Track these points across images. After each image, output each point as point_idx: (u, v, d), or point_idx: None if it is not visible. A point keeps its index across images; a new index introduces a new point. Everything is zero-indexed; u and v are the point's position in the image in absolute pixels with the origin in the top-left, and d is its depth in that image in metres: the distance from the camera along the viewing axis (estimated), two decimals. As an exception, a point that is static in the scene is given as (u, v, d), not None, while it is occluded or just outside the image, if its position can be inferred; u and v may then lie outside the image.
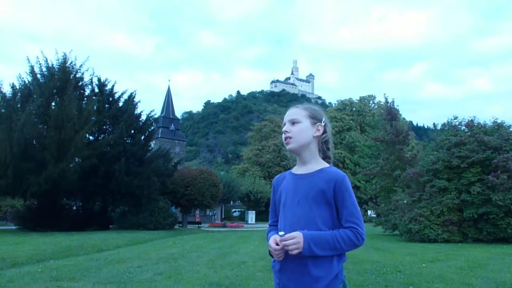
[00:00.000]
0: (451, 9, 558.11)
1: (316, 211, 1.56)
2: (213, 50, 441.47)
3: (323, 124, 1.68)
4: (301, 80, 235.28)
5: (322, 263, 1.52)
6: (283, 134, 1.67)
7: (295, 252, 1.47)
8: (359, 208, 1.59)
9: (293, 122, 1.66)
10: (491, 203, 12.92)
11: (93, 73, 32.37)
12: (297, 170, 1.70)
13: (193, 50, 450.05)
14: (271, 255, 1.60)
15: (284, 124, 1.69)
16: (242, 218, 47.42)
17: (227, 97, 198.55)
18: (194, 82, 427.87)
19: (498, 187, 12.79)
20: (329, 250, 1.51)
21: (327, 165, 1.66)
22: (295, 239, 1.47)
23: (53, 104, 21.46)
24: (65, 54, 22.44)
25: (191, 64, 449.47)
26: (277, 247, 1.52)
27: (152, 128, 27.24)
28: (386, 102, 21.87)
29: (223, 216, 47.37)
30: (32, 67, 21.92)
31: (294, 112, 1.69)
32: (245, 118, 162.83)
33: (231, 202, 50.05)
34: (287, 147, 1.66)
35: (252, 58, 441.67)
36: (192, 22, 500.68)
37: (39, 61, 22.17)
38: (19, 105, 21.18)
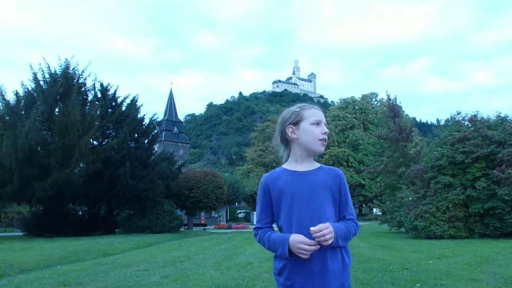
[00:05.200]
0: (450, 3, 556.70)
1: (326, 205, 1.61)
2: (213, 51, 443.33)
3: None
4: (302, 79, 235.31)
5: (336, 257, 1.57)
6: (324, 134, 1.66)
7: (330, 241, 1.49)
8: None
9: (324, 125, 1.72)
10: (496, 198, 12.85)
11: (96, 78, 32.71)
12: (295, 167, 1.68)
13: (193, 52, 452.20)
14: (290, 255, 1.53)
15: (320, 122, 1.68)
16: (248, 219, 47.44)
17: (229, 98, 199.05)
18: (196, 84, 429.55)
19: (503, 181, 12.71)
20: (345, 240, 1.58)
21: (318, 164, 1.73)
22: (329, 229, 1.49)
23: (56, 110, 21.58)
24: (67, 60, 22.57)
25: (192, 65, 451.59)
26: (310, 247, 1.49)
27: (155, 131, 27.31)
28: (389, 99, 21.79)
29: (228, 218, 47.40)
30: (35, 74, 22.04)
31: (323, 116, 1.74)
32: (248, 119, 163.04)
33: (236, 203, 50.07)
34: (322, 149, 1.68)
35: (253, 59, 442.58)
36: (190, 23, 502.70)
37: (41, 68, 22.31)
38: (23, 112, 21.31)
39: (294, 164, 1.68)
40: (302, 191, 1.61)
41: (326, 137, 1.67)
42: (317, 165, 1.70)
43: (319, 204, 1.59)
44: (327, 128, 1.72)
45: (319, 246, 1.49)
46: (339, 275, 1.56)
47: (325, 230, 1.48)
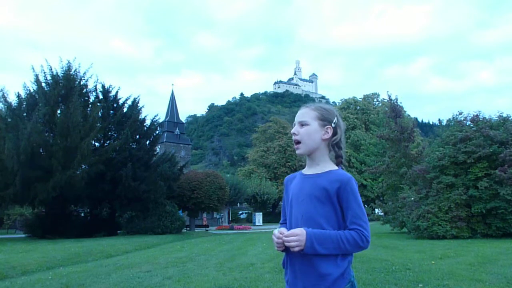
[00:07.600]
0: (452, 2, 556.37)
1: (320, 209, 1.58)
2: (214, 52, 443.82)
3: (333, 126, 1.66)
4: (304, 80, 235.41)
5: (327, 261, 1.53)
6: (293, 136, 1.69)
7: (296, 249, 1.49)
8: (364, 210, 1.58)
9: (302, 124, 1.66)
10: (499, 198, 12.81)
11: (97, 79, 32.76)
12: (307, 170, 1.72)
13: (194, 53, 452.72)
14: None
15: (294, 125, 1.70)
16: (250, 220, 47.41)
17: (230, 99, 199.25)
18: (197, 85, 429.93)
19: (505, 181, 12.67)
20: (333, 249, 1.51)
21: (336, 167, 1.66)
22: (297, 236, 1.49)
23: (58, 112, 21.64)
24: (69, 62, 22.64)
25: (193, 66, 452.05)
26: (278, 240, 1.55)
27: (157, 132, 27.36)
28: (390, 99, 21.75)
29: (230, 219, 47.39)
30: (36, 76, 22.11)
31: (303, 113, 1.68)
32: (250, 120, 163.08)
33: (238, 204, 50.07)
34: (297, 152, 1.68)
35: (254, 59, 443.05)
36: (190, 24, 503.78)
37: (43, 70, 22.38)
38: (25, 114, 21.36)
39: (307, 168, 1.73)
40: (298, 194, 1.66)
41: (295, 137, 1.67)
42: (327, 169, 1.64)
43: (309, 207, 1.59)
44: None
45: (282, 244, 1.55)
46: (329, 278, 1.51)
47: (290, 237, 1.50)
